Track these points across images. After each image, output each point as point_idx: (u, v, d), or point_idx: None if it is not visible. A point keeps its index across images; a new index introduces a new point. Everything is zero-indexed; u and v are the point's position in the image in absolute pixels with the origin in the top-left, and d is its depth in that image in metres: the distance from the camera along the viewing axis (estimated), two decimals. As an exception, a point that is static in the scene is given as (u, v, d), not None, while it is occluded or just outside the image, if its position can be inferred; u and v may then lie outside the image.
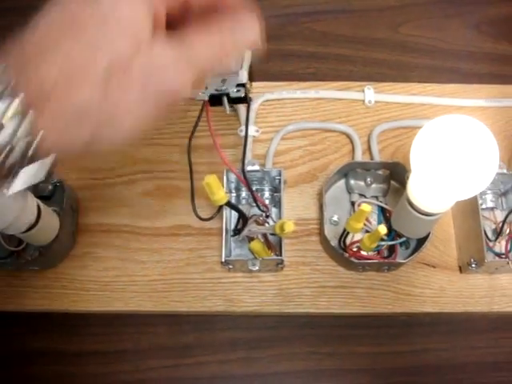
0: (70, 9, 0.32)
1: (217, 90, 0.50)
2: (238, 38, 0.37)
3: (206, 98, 0.50)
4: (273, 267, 0.61)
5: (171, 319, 0.65)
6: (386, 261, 0.61)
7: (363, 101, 0.71)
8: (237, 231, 0.60)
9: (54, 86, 0.30)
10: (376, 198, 0.65)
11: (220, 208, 0.57)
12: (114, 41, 0.32)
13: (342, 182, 0.66)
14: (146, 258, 0.65)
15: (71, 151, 0.33)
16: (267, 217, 0.63)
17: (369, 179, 0.65)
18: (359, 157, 0.67)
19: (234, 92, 0.50)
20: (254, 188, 0.64)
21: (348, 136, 0.69)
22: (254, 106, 0.70)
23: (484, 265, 0.60)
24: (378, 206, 0.65)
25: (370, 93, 0.71)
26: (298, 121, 0.70)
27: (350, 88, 0.72)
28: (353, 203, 0.65)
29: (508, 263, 0.59)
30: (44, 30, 0.32)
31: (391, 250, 0.63)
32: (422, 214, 0.55)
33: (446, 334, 0.65)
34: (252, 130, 0.68)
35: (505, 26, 0.79)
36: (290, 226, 0.55)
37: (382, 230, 0.53)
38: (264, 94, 0.70)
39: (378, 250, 0.63)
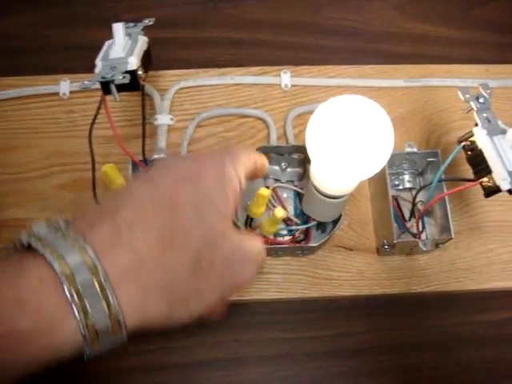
0: (165, 188, 0.35)
1: (103, 78, 0.49)
2: None
3: (92, 86, 0.49)
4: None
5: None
6: (298, 245, 0.60)
7: (280, 85, 0.70)
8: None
9: (143, 262, 0.32)
10: (292, 182, 0.65)
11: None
12: (206, 227, 0.35)
13: (257, 168, 0.65)
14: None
15: (142, 326, 0.33)
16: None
17: (283, 164, 0.64)
18: (274, 142, 0.66)
19: (119, 79, 0.49)
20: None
21: (264, 121, 0.68)
22: (170, 94, 0.69)
23: (395, 246, 0.59)
24: (294, 191, 0.64)
25: (287, 77, 0.70)
26: (214, 107, 0.68)
27: (267, 73, 0.71)
28: (268, 188, 0.64)
29: (418, 244, 0.58)
30: (138, 204, 0.34)
31: (306, 233, 0.63)
32: (327, 197, 0.55)
33: (366, 317, 0.64)
34: (166, 119, 0.67)
35: (427, 6, 0.78)
36: (279, 212, 0.54)
37: (279, 213, 0.53)
38: (180, 81, 0.69)
39: (293, 234, 0.62)
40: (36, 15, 0.77)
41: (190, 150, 0.67)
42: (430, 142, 0.68)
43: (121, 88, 0.51)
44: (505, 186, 0.51)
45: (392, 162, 0.64)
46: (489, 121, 0.53)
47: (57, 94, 0.70)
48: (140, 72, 0.52)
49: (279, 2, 0.77)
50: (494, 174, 0.51)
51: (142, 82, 0.53)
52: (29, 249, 0.31)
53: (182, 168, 0.38)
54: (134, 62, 0.51)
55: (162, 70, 0.70)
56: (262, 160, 0.45)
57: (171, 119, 0.67)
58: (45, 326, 0.28)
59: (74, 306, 0.29)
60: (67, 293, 0.29)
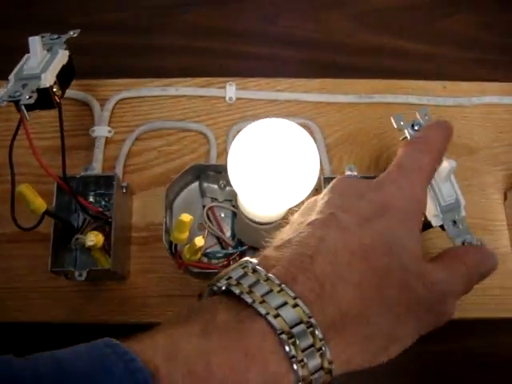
0: (354, 233, 0.34)
1: (10, 97, 0.47)
2: (482, 272, 0.38)
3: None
4: (111, 276, 0.58)
5: (14, 328, 0.62)
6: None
7: (224, 98, 0.67)
8: (66, 240, 0.57)
9: (346, 316, 0.31)
10: (230, 201, 0.62)
11: (43, 216, 0.54)
12: (400, 272, 0.33)
13: (195, 185, 0.63)
14: (-12, 265, 0.61)
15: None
16: (110, 222, 0.60)
17: (222, 182, 0.62)
18: (214, 159, 0.64)
19: (25, 99, 0.46)
20: (100, 192, 0.62)
21: (205, 136, 0.65)
22: (110, 104, 0.66)
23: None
24: (232, 211, 0.62)
25: (232, 89, 0.67)
26: (156, 120, 0.66)
27: (212, 84, 0.68)
28: (205, 207, 0.62)
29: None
30: (332, 255, 0.33)
31: (241, 256, 0.60)
32: (257, 224, 0.52)
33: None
34: (104, 131, 0.65)
35: (388, 18, 0.75)
36: (199, 241, 0.51)
37: (199, 242, 0.50)
38: (121, 91, 0.67)
39: (227, 257, 0.60)
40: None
41: (129, 164, 0.64)
42: (379, 163, 0.65)
43: (34, 106, 0.48)
44: (436, 222, 0.48)
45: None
46: None
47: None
48: (55, 89, 0.49)
49: (234, 10, 0.74)
50: (426, 209, 0.48)
51: (57, 100, 0.50)
52: (227, 293, 0.32)
53: (367, 204, 0.36)
54: (47, 79, 0.48)
55: (104, 79, 0.67)
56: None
57: (109, 131, 0.65)
58: (271, 381, 0.29)
59: (294, 362, 0.29)
60: (287, 349, 0.29)
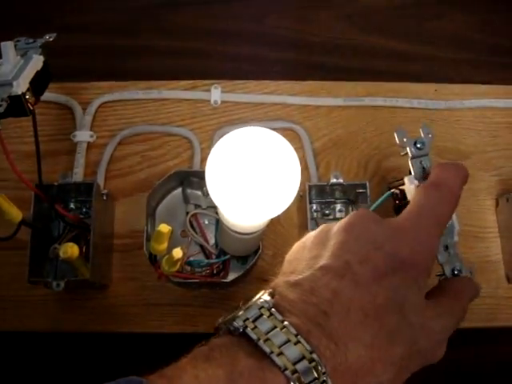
0: (369, 291, 0.34)
1: (-24, 105, 0.45)
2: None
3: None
4: (91, 285, 0.57)
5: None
6: (209, 280, 0.56)
7: (209, 101, 0.65)
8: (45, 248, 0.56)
9: (356, 374, 0.32)
10: (213, 208, 0.60)
11: (20, 225, 0.52)
12: (408, 330, 0.34)
13: (178, 191, 0.62)
14: (-33, 273, 0.60)
15: None
16: (89, 230, 0.58)
17: (205, 188, 0.60)
18: (197, 164, 0.62)
19: (-6, 108, 0.45)
20: (81, 199, 0.60)
21: (189, 141, 0.63)
22: (92, 108, 0.65)
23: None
24: (216, 218, 0.60)
25: (217, 92, 0.65)
26: (139, 124, 0.64)
27: (197, 87, 0.66)
28: (188, 213, 0.60)
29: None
30: (345, 312, 0.33)
31: (224, 265, 0.59)
32: (239, 234, 0.51)
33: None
34: (86, 136, 0.63)
35: (378, 18, 0.73)
36: (178, 253, 0.49)
37: (177, 254, 0.49)
38: (104, 94, 0.65)
39: (210, 266, 0.58)
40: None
41: (111, 170, 0.63)
42: (368, 168, 0.63)
43: (6, 114, 0.46)
44: None
45: (322, 191, 0.59)
46: (424, 169, 0.48)
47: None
48: (28, 96, 0.47)
49: (221, 10, 0.73)
50: None
51: (31, 107, 0.48)
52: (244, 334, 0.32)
53: (383, 257, 0.35)
54: (19, 87, 0.46)
55: (86, 82, 0.66)
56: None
57: (91, 136, 0.63)
58: None
59: None
60: None
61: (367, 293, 0.34)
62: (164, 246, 0.51)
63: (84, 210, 0.60)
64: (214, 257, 0.59)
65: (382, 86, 0.67)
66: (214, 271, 0.59)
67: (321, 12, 0.72)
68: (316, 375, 0.30)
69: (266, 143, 0.43)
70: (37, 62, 0.50)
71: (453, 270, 0.45)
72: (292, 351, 0.31)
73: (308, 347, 0.31)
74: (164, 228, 0.49)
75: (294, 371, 0.30)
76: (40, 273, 0.56)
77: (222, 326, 0.35)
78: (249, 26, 0.72)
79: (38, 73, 0.50)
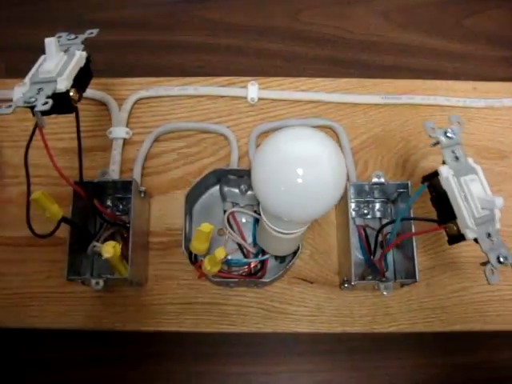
0: None
1: (25, 103, 0.44)
2: None
3: (10, 112, 0.44)
4: (128, 284, 0.56)
5: (32, 334, 0.61)
6: (248, 279, 0.56)
7: (246, 98, 0.65)
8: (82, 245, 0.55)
9: None
10: (251, 206, 0.60)
11: (60, 223, 0.52)
12: None
13: (216, 189, 0.61)
14: (5, 269, 0.60)
15: None
16: (128, 228, 0.58)
17: (243, 186, 0.59)
18: (235, 162, 0.61)
19: (40, 105, 0.44)
20: (118, 196, 0.61)
21: (226, 138, 0.63)
22: (127, 105, 0.64)
23: (354, 285, 0.54)
24: (254, 217, 0.60)
25: (254, 89, 0.65)
26: (175, 121, 0.64)
27: (234, 84, 0.66)
28: (225, 212, 0.60)
29: (375, 286, 0.54)
30: None
31: (263, 264, 0.58)
32: (280, 233, 0.50)
33: (326, 354, 0.60)
34: (122, 132, 0.63)
35: (416, 14, 0.72)
36: (221, 253, 0.49)
37: (220, 254, 0.48)
38: (139, 91, 0.65)
39: (248, 265, 0.58)
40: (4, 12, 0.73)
41: (147, 167, 0.63)
42: (406, 167, 0.63)
43: (51, 111, 0.46)
44: (470, 235, 0.46)
45: (361, 190, 0.58)
46: (457, 158, 0.47)
47: (10, 99, 0.65)
48: (72, 93, 0.47)
49: (255, 6, 0.72)
50: (459, 221, 0.46)
51: (75, 104, 0.48)
52: None
53: None
54: (63, 84, 0.46)
55: (121, 78, 0.65)
56: None
57: (127, 133, 0.63)
58: None
59: None
60: None
61: None
62: (205, 245, 0.51)
63: (121, 206, 0.60)
64: (251, 255, 0.58)
65: (420, 83, 0.67)
66: (252, 270, 0.58)
67: (357, 8, 0.71)
68: None
69: (314, 144, 0.42)
70: (80, 58, 0.50)
71: (498, 258, 0.45)
72: None
73: None
74: (206, 227, 0.48)
75: None
76: (77, 270, 0.56)
77: None
78: (283, 22, 0.71)
79: (81, 69, 0.50)
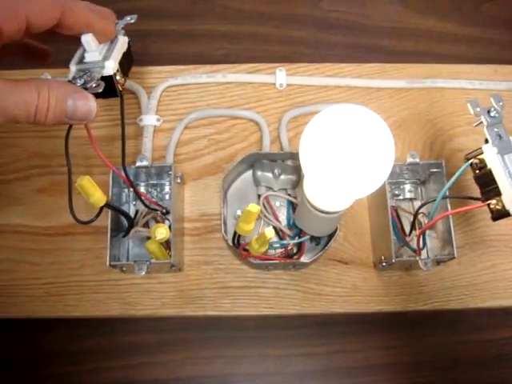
0: None
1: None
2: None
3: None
4: (168, 269, 0.57)
5: (70, 323, 0.61)
6: (289, 260, 0.56)
7: (274, 84, 0.65)
8: (124, 233, 0.55)
9: None
10: (285, 190, 0.60)
11: (102, 209, 0.52)
12: None
13: (249, 174, 0.61)
14: (39, 259, 0.60)
15: None
16: (165, 214, 0.58)
17: (276, 170, 0.60)
18: (267, 146, 0.62)
19: (92, 87, 0.45)
20: (152, 182, 0.61)
21: (256, 123, 0.63)
22: (156, 92, 0.64)
23: (393, 264, 0.55)
24: (288, 200, 0.60)
25: (282, 75, 0.65)
26: (204, 107, 0.64)
27: (261, 70, 0.66)
28: (260, 196, 0.60)
29: (418, 261, 0.55)
30: None
31: (299, 246, 0.59)
32: (322, 212, 0.51)
33: (361, 334, 0.61)
34: (153, 120, 0.63)
35: (434, 0, 0.73)
36: (270, 233, 0.49)
37: (270, 233, 0.49)
38: (168, 79, 0.65)
39: (285, 247, 0.58)
40: None
41: (178, 154, 0.63)
42: (433, 149, 0.64)
43: (97, 95, 0.46)
44: None
45: (393, 171, 0.59)
46: (500, 137, 0.48)
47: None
48: (118, 77, 0.47)
49: (276, -7, 0.72)
50: (504, 197, 0.47)
51: (120, 88, 0.48)
52: None
53: None
54: (110, 67, 0.46)
55: (148, 66, 0.66)
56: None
57: (158, 120, 0.63)
58: None
59: None
60: None
61: None
62: (252, 225, 0.51)
63: (155, 193, 0.60)
64: (287, 238, 0.59)
65: (443, 67, 0.68)
66: (288, 253, 0.58)
67: (376, -5, 0.72)
68: None
69: (365, 122, 0.43)
70: (123, 43, 0.50)
71: None
72: None
73: None
74: (254, 208, 0.49)
75: None
76: (117, 257, 0.56)
77: None
78: (304, 9, 0.72)
79: (124, 54, 0.50)
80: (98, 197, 0.50)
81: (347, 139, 0.43)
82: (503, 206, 0.47)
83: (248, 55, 0.68)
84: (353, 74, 0.67)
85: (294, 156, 0.58)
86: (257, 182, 0.61)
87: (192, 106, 0.65)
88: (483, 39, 0.71)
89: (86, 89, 0.44)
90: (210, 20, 0.71)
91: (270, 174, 0.60)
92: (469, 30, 0.71)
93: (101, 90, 0.44)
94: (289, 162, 0.60)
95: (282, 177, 0.60)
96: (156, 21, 0.70)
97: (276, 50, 0.69)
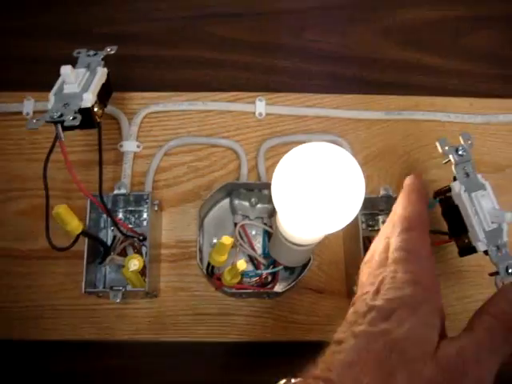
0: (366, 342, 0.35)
1: (52, 118, 0.46)
2: None
3: (37, 127, 0.45)
4: (144, 296, 0.57)
5: (44, 346, 0.60)
6: (262, 290, 0.57)
7: (254, 113, 0.67)
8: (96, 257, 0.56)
9: None
10: (261, 219, 0.61)
11: (78, 236, 0.53)
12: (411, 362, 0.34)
13: (226, 202, 0.62)
14: (16, 282, 0.61)
15: None
16: (142, 240, 0.59)
17: (253, 199, 0.61)
18: (245, 175, 0.63)
19: (69, 120, 0.45)
20: (130, 209, 0.62)
21: (235, 152, 0.64)
22: (138, 119, 0.65)
23: (364, 294, 0.56)
24: (263, 229, 0.61)
25: (262, 105, 0.67)
26: (184, 135, 0.65)
27: (241, 99, 0.67)
28: (236, 224, 0.61)
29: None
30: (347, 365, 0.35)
31: (274, 275, 0.60)
32: (295, 245, 0.52)
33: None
34: (133, 146, 0.64)
35: (414, 33, 0.75)
36: (242, 265, 0.51)
37: (241, 265, 0.50)
38: (149, 105, 0.66)
39: (260, 276, 0.59)
40: (3, 24, 0.73)
41: (158, 180, 0.64)
42: (410, 178, 0.64)
43: (76, 126, 0.47)
44: (481, 248, 0.48)
45: (367, 203, 0.60)
46: (468, 175, 0.50)
47: (20, 113, 0.66)
48: (96, 109, 0.48)
49: (260, 22, 0.74)
50: (470, 234, 0.48)
51: (98, 119, 0.49)
52: None
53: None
54: (88, 99, 0.47)
55: (131, 92, 0.66)
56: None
57: (138, 146, 0.64)
58: None
59: None
60: None
61: (364, 343, 0.36)
62: (225, 257, 0.52)
63: (133, 219, 0.61)
64: (262, 267, 0.60)
65: (420, 100, 0.69)
66: (263, 281, 0.59)
67: (357, 27, 0.74)
68: None
69: (335, 160, 0.44)
70: (102, 74, 0.51)
71: (507, 269, 0.47)
72: None
73: None
74: (227, 240, 0.50)
75: None
76: (93, 283, 0.57)
77: None
78: (287, 39, 0.73)
79: (103, 85, 0.51)
80: (74, 225, 0.51)
81: (317, 177, 0.44)
82: (469, 243, 0.49)
83: (230, 83, 0.69)
84: (332, 105, 0.68)
85: (269, 186, 0.59)
86: (234, 210, 0.61)
87: (172, 132, 0.66)
88: (461, 72, 0.72)
89: (62, 122, 0.45)
90: (194, 47, 0.72)
91: (246, 203, 0.61)
92: (447, 63, 0.73)
93: (77, 124, 0.45)
94: (265, 192, 0.61)
95: (259, 206, 0.61)
96: (141, 46, 0.71)
97: (258, 79, 0.70)
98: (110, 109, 0.66)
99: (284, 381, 0.37)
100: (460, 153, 0.50)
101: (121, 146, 0.64)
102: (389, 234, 0.43)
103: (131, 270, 0.50)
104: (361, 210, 0.60)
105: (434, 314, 0.37)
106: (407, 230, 0.42)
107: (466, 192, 0.49)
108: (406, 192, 0.45)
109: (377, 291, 0.39)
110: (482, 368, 0.35)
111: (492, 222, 0.48)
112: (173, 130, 0.66)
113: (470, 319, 0.38)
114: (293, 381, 0.36)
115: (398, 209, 0.44)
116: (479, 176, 0.50)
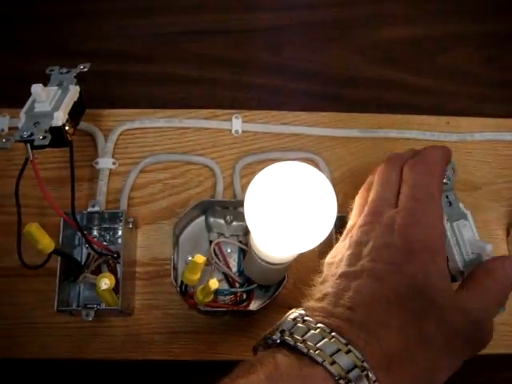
0: (384, 281, 0.37)
1: (21, 137, 0.45)
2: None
3: (8, 147, 0.45)
4: (117, 314, 0.57)
5: (16, 365, 0.60)
6: (236, 309, 0.57)
7: (230, 130, 0.67)
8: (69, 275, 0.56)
9: (393, 358, 0.34)
10: (236, 236, 0.61)
11: (50, 255, 0.52)
12: (435, 310, 0.36)
13: (201, 219, 0.62)
14: (-12, 300, 0.60)
15: None
16: (117, 258, 0.59)
17: (228, 217, 0.61)
18: (220, 193, 0.63)
19: (39, 140, 0.45)
20: (105, 226, 0.61)
21: (211, 169, 0.64)
22: (114, 136, 0.65)
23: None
24: (239, 247, 0.61)
25: (238, 122, 0.67)
26: (160, 152, 0.65)
27: (218, 116, 0.67)
28: (211, 242, 0.61)
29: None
30: (367, 306, 0.36)
31: (249, 293, 0.59)
32: (269, 264, 0.52)
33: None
34: (109, 163, 0.64)
35: (390, 51, 0.75)
36: (214, 284, 0.51)
37: (213, 284, 0.50)
38: (126, 122, 0.66)
39: (234, 295, 0.59)
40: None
41: (133, 197, 0.64)
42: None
43: (47, 144, 0.47)
44: (460, 278, 0.48)
45: (341, 220, 0.60)
46: (450, 204, 0.49)
47: (-6, 130, 0.66)
48: (67, 127, 0.48)
49: (238, 40, 0.74)
50: (450, 263, 0.48)
51: (69, 138, 0.49)
52: (282, 344, 0.35)
53: (394, 252, 0.39)
54: (59, 118, 0.47)
55: (106, 109, 0.66)
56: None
57: (114, 163, 0.64)
58: None
59: None
60: None
61: (386, 284, 0.37)
62: (197, 276, 0.52)
63: (107, 237, 0.61)
64: (237, 285, 0.59)
65: (396, 118, 0.70)
66: (238, 299, 0.59)
67: (335, 45, 0.74)
68: (357, 364, 0.32)
69: (307, 179, 0.45)
70: (74, 92, 0.51)
71: None
72: (329, 347, 0.33)
73: (343, 340, 0.33)
74: (199, 258, 0.50)
75: (333, 362, 0.32)
76: (66, 301, 0.56)
77: (261, 344, 0.38)
78: (266, 56, 0.73)
79: (75, 103, 0.51)
80: (46, 243, 0.51)
81: (289, 196, 0.44)
82: (449, 272, 0.48)
83: (207, 99, 0.70)
84: (308, 123, 0.68)
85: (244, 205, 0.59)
86: (209, 227, 0.61)
87: (148, 149, 0.66)
88: (436, 90, 0.73)
89: (32, 141, 0.45)
90: (171, 63, 0.72)
91: (222, 221, 0.61)
92: (424, 81, 0.73)
93: (47, 143, 0.45)
94: (241, 209, 0.61)
95: (234, 223, 0.61)
96: (117, 63, 0.71)
97: (235, 96, 0.70)
98: (85, 125, 0.65)
99: (296, 314, 0.38)
100: (444, 181, 0.50)
101: (96, 162, 0.63)
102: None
103: (102, 288, 0.49)
104: (336, 228, 0.60)
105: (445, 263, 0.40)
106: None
107: (448, 221, 0.49)
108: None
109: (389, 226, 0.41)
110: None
111: (472, 253, 0.48)
112: (149, 147, 0.66)
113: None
114: (305, 317, 0.37)
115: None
116: (461, 205, 0.50)
